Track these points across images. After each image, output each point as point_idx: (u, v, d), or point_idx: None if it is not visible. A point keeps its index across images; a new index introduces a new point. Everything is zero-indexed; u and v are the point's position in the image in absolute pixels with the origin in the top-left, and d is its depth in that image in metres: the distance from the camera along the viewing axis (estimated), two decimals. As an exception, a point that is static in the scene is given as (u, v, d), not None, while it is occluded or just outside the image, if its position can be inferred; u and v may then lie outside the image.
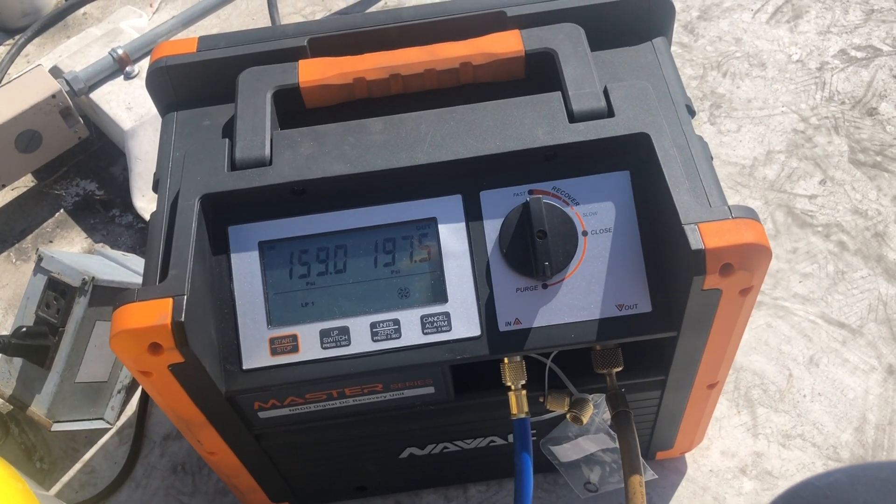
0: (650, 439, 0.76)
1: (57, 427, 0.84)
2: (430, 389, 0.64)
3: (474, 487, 0.83)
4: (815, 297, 0.93)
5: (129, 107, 1.07)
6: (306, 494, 0.80)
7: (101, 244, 1.08)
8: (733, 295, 0.56)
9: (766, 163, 1.05)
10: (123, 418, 0.91)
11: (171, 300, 0.54)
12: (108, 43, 1.13)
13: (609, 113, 0.61)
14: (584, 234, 0.60)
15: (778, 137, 1.07)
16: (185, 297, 0.54)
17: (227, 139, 0.63)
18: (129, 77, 1.10)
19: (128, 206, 1.10)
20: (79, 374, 0.86)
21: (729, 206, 0.55)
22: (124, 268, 0.94)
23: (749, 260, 0.54)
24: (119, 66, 1.10)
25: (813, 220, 0.99)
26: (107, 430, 0.90)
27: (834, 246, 0.97)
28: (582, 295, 0.60)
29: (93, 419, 0.88)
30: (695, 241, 0.53)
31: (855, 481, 0.40)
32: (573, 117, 0.61)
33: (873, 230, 0.97)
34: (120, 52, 1.09)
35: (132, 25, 1.19)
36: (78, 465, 0.89)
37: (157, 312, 0.54)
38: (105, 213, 1.12)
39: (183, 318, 0.53)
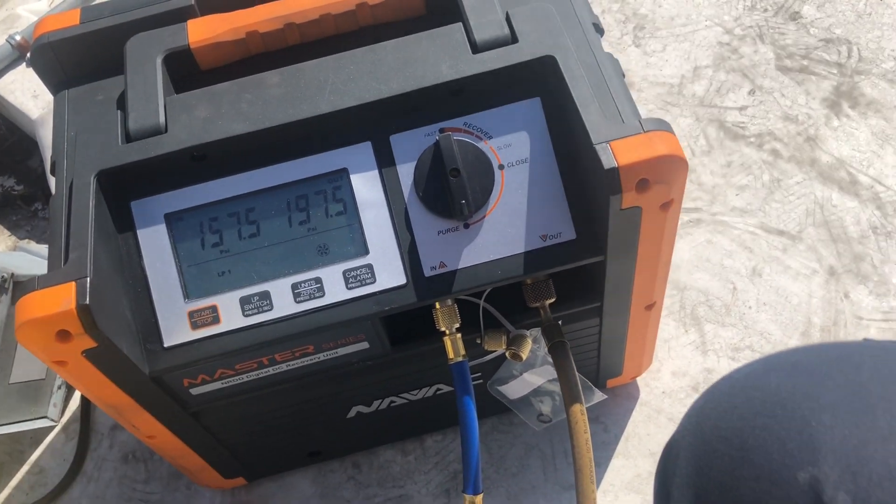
0: (598, 368, 0.76)
1: (-3, 431, 0.82)
2: (365, 345, 0.63)
3: (431, 438, 0.82)
4: (753, 208, 0.92)
5: (36, 94, 1.03)
6: (258, 467, 0.79)
7: (25, 240, 1.04)
8: (654, 210, 0.55)
9: (694, 79, 1.03)
10: (68, 414, 0.89)
11: (73, 284, 0.52)
12: (5, 30, 1.08)
13: (513, 39, 0.58)
14: (501, 167, 0.59)
15: (704, 52, 1.05)
16: (89, 278, 0.52)
17: (120, 111, 0.60)
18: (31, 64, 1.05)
19: (49, 198, 1.06)
20: (12, 375, 0.83)
21: (640, 121, 0.53)
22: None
23: (665, 173, 0.52)
24: (19, 54, 1.05)
25: (745, 132, 0.98)
26: (52, 427, 0.88)
27: (767, 155, 0.96)
28: (505, 230, 0.58)
29: (35, 418, 0.86)
30: (607, 160, 0.52)
31: (769, 368, 0.40)
32: (476, 48, 0.58)
33: (805, 135, 0.97)
34: (18, 38, 1.04)
35: (30, 10, 1.13)
36: (25, 467, 0.86)
37: (60, 298, 0.52)
38: (27, 207, 1.08)
39: (88, 301, 0.51)
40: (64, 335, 0.52)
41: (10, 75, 1.05)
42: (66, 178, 0.59)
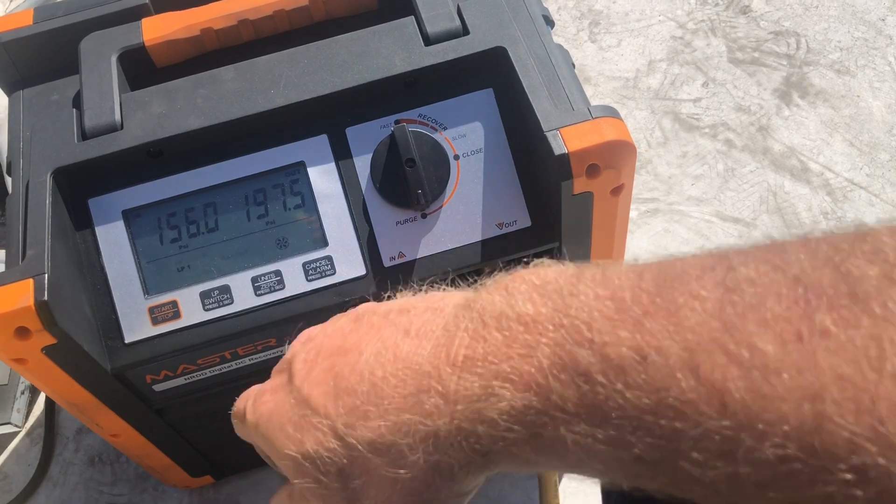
0: (559, 356, 0.77)
1: (-41, 438, 0.81)
2: (327, 337, 0.63)
3: (397, 431, 0.83)
4: (709, 197, 0.94)
5: (-8, 99, 1.02)
6: (226, 465, 0.79)
7: (-15, 246, 1.03)
8: (605, 196, 0.56)
9: (648, 73, 1.05)
10: (32, 419, 0.88)
11: (31, 281, 0.52)
12: (-40, 35, 1.07)
13: (464, 31, 0.60)
14: (456, 157, 0.60)
15: (658, 46, 1.07)
16: (46, 275, 0.52)
17: (75, 110, 0.60)
18: (-13, 68, 1.04)
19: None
20: (-26, 381, 0.82)
21: (589, 108, 0.55)
22: (9, 265, 0.90)
23: (614, 157, 0.53)
24: (-25, 58, 1.04)
25: (699, 123, 1.00)
26: (15, 433, 0.87)
27: (721, 145, 0.98)
28: (461, 219, 0.59)
29: (-2, 424, 0.85)
30: (557, 147, 0.53)
31: None
32: (429, 40, 0.59)
33: (757, 124, 0.99)
34: (-27, 42, 1.03)
35: (-15, 14, 1.12)
36: (-11, 474, 0.85)
37: (18, 295, 0.52)
38: (-15, 213, 1.07)
39: (46, 297, 0.51)
40: (23, 332, 0.52)
41: (-34, 81, 1.04)
42: (23, 178, 0.59)
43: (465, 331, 0.32)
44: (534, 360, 0.28)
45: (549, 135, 0.53)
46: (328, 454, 0.35)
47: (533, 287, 0.32)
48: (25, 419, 0.88)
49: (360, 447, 0.34)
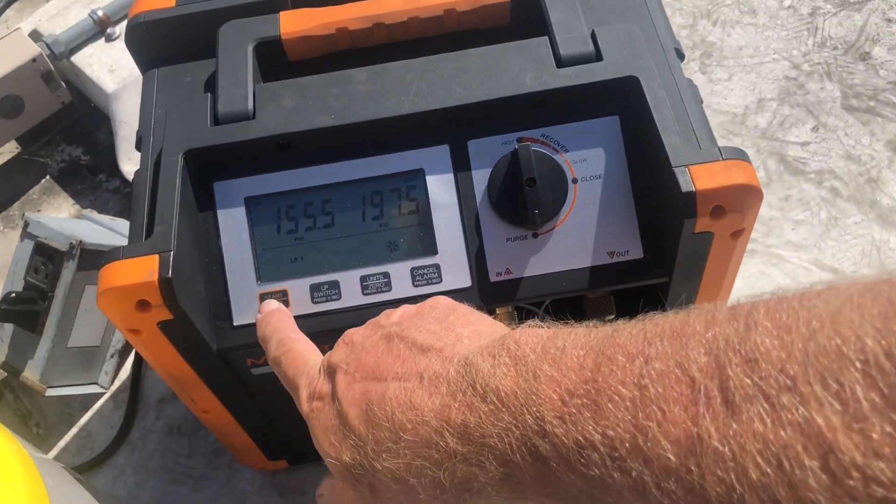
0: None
1: (51, 392, 0.84)
2: (423, 342, 0.64)
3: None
4: (808, 244, 0.93)
5: (112, 69, 1.06)
6: (303, 452, 0.80)
7: (88, 209, 1.07)
8: (725, 238, 0.55)
9: (757, 111, 1.04)
10: (118, 382, 0.91)
11: (157, 257, 0.54)
12: (87, 5, 1.11)
13: (597, 57, 0.60)
14: (574, 181, 0.60)
15: (769, 85, 1.06)
16: (172, 252, 0.54)
17: (209, 94, 0.62)
18: (110, 39, 1.08)
19: (114, 170, 1.08)
20: (70, 339, 0.85)
21: (720, 148, 0.54)
22: (112, 232, 0.93)
23: (740, 201, 0.53)
24: (100, 28, 1.08)
25: (805, 167, 0.98)
26: (101, 394, 0.90)
27: (827, 192, 0.96)
28: (573, 243, 0.59)
29: (87, 384, 0.88)
30: (685, 184, 0.52)
31: None
32: (561, 62, 0.60)
33: (866, 175, 0.97)
34: (100, 13, 1.07)
35: (112, -14, 1.16)
36: (74, 430, 0.88)
37: (143, 269, 0.53)
38: (92, 178, 1.11)
39: (170, 274, 0.53)
40: (143, 305, 0.54)
41: (89, 48, 1.08)
42: (152, 155, 0.61)
43: (463, 394, 0.37)
44: (509, 441, 0.34)
45: (677, 170, 0.53)
46: (360, 470, 0.41)
47: (513, 360, 0.36)
48: (112, 382, 0.91)
49: (384, 474, 0.40)
